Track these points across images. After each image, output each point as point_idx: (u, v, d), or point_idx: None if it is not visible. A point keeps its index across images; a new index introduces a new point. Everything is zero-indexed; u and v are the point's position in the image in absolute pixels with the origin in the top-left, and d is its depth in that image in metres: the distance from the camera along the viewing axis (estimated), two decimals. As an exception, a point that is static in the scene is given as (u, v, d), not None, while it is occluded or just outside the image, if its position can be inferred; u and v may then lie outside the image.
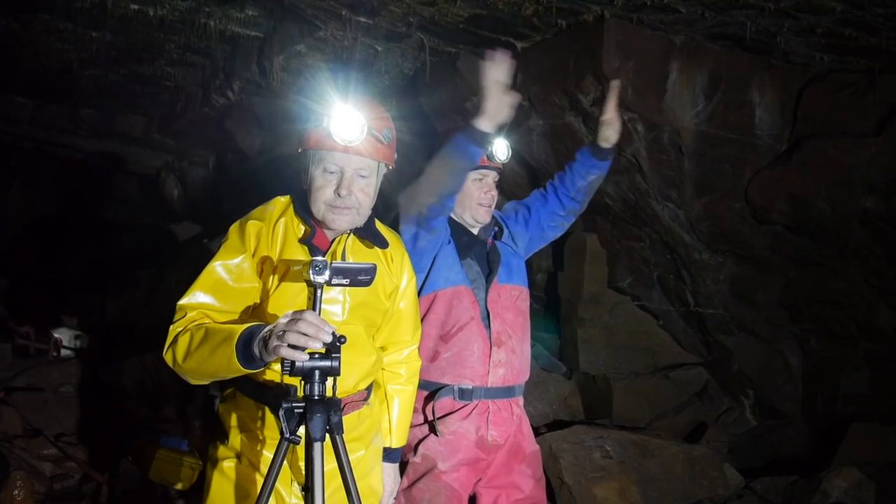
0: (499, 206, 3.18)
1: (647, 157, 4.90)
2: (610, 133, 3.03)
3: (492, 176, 2.99)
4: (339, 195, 2.06)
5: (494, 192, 2.99)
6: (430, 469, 2.74)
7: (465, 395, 2.79)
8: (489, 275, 2.91)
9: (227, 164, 8.00)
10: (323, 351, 1.76)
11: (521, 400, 2.96)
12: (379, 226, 2.33)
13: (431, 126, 5.85)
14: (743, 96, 4.73)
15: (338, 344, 1.74)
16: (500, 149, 2.97)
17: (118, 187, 10.34)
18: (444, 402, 2.79)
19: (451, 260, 2.84)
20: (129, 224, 11.27)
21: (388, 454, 2.47)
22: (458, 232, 2.93)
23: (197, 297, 2.03)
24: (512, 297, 2.95)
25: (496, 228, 3.08)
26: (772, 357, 5.81)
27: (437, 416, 2.77)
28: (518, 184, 5.95)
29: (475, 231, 3.00)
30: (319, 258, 1.78)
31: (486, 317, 2.84)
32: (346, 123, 2.00)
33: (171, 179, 9.03)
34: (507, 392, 2.87)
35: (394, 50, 5.14)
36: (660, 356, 6.33)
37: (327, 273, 1.78)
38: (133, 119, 7.96)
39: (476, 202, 2.94)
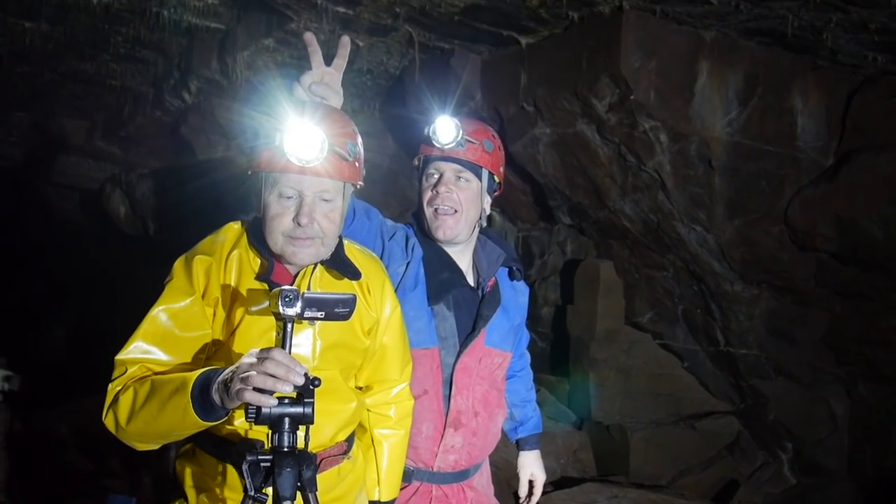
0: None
1: (671, 173, 4.89)
2: None
3: (448, 169, 2.51)
4: (298, 224, 1.98)
5: (462, 196, 2.49)
6: None
7: (405, 475, 2.53)
8: (471, 332, 2.53)
9: (182, 177, 7.93)
10: (294, 395, 1.71)
11: (475, 480, 2.70)
12: (350, 251, 2.25)
13: (420, 133, 5.77)
14: (783, 102, 4.71)
15: (311, 387, 1.70)
16: (443, 128, 2.46)
17: (55, 203, 10.25)
18: None
19: (412, 314, 2.44)
20: (69, 247, 11.20)
21: None
22: (435, 262, 2.54)
23: (138, 350, 1.96)
24: (493, 365, 2.61)
25: (512, 266, 2.69)
26: (814, 405, 5.80)
27: None
28: (521, 202, 5.96)
29: (464, 264, 2.59)
30: (289, 288, 1.72)
31: (448, 387, 2.53)
32: (302, 139, 1.91)
33: (118, 195, 8.93)
34: (458, 476, 2.61)
35: (378, 45, 5.12)
36: (684, 403, 6.31)
37: (299, 305, 1.72)
38: (73, 124, 7.90)
39: (426, 202, 2.52)
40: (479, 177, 2.54)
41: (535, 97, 4.93)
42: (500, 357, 2.64)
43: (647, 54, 4.40)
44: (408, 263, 2.53)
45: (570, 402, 6.42)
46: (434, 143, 2.47)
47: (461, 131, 2.47)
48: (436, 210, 2.50)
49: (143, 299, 2.09)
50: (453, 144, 2.47)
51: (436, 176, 2.52)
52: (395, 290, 2.42)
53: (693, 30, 4.47)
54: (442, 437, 2.54)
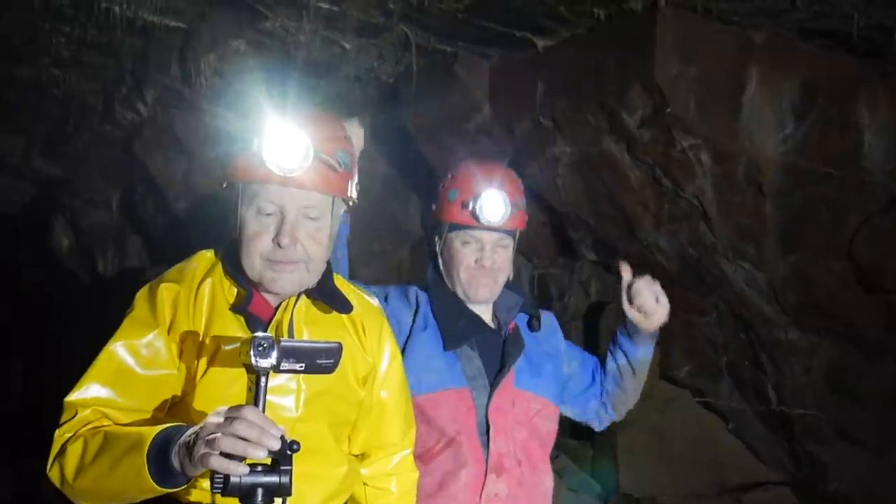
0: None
1: (714, 199, 4.88)
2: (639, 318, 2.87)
3: (489, 241, 2.69)
4: (279, 245, 2.03)
5: (500, 259, 2.72)
6: None
7: None
8: (500, 371, 2.70)
9: (137, 202, 7.93)
10: (268, 462, 1.69)
11: None
12: (341, 283, 2.29)
13: (417, 151, 5.87)
14: (847, 116, 4.66)
15: (288, 452, 1.68)
16: (490, 204, 2.62)
17: (-14, 234, 10.30)
18: None
19: (426, 354, 2.66)
20: (5, 284, 11.21)
21: None
22: (449, 311, 2.73)
23: (91, 391, 1.98)
24: (530, 411, 2.74)
25: (531, 315, 2.87)
26: (882, 474, 5.67)
27: None
28: (537, 234, 5.97)
29: (482, 311, 2.79)
30: (263, 335, 1.72)
31: (486, 432, 2.65)
32: (284, 144, 1.96)
33: (60, 224, 8.94)
34: None
35: (368, 48, 5.15)
36: (729, 472, 6.29)
37: (274, 355, 1.71)
38: (7, 140, 7.95)
39: (462, 267, 2.70)
40: (514, 238, 2.79)
41: (554, 110, 4.93)
42: (536, 403, 2.76)
43: (686, 59, 4.39)
44: (416, 310, 2.75)
45: (593, 470, 6.43)
46: (480, 220, 2.63)
47: (510, 207, 2.63)
48: (469, 272, 2.70)
49: (94, 345, 2.08)
50: (501, 221, 2.63)
51: (476, 246, 2.70)
52: (407, 337, 2.66)
53: (741, 30, 4.46)
54: (483, 484, 2.61)
